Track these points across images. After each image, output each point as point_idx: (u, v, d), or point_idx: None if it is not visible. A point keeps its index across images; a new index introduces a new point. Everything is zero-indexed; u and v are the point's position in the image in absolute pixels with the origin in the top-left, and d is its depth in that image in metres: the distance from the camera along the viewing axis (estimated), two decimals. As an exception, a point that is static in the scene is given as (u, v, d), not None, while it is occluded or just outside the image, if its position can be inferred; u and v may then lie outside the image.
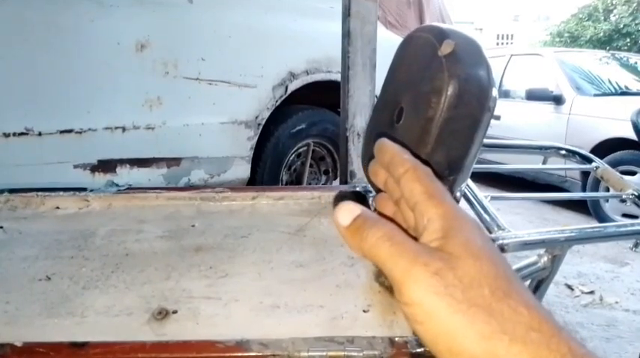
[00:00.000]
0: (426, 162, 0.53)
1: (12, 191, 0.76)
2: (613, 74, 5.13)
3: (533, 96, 4.90)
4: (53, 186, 1.73)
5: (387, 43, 1.73)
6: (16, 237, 0.68)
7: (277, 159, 2.75)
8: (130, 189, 0.79)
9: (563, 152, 0.89)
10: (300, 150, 2.91)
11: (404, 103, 0.57)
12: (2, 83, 1.76)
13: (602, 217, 3.92)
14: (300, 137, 2.83)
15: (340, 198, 0.63)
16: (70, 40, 1.88)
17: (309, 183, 3.05)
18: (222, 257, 0.67)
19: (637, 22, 13.59)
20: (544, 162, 0.93)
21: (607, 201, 3.57)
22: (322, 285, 0.63)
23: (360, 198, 0.86)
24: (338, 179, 3.06)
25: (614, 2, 14.54)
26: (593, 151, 4.12)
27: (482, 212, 0.64)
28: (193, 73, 2.17)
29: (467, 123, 0.51)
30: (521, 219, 4.08)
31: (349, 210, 0.33)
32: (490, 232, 0.60)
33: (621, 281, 2.95)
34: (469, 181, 0.59)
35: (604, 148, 4.06)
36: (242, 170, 2.50)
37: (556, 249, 0.55)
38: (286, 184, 2.91)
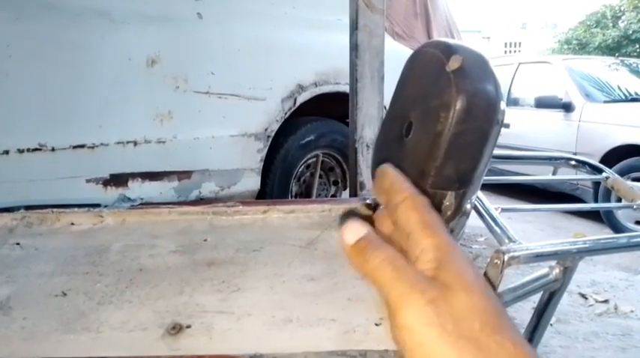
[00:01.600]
0: (435, 176, 0.54)
1: (28, 208, 0.77)
2: (623, 80, 5.10)
3: (542, 103, 4.88)
4: (67, 202, 1.75)
5: (395, 54, 1.75)
6: (32, 254, 0.70)
7: (287, 171, 2.76)
8: (143, 204, 0.80)
9: (573, 163, 0.89)
10: (309, 161, 2.92)
11: (413, 118, 0.58)
12: (16, 100, 1.79)
13: (615, 225, 3.88)
14: (309, 148, 2.84)
15: (347, 215, 0.63)
16: (81, 56, 1.91)
17: (319, 194, 3.05)
18: (234, 271, 0.68)
19: (646, 27, 13.52)
20: (554, 173, 0.93)
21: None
22: (334, 299, 0.63)
23: (371, 210, 0.87)
24: (347, 189, 3.07)
25: (622, 9, 14.47)
26: (604, 158, 4.09)
27: (492, 224, 0.64)
28: (203, 87, 2.19)
29: (476, 137, 0.52)
30: (533, 227, 4.05)
31: (355, 230, 0.34)
32: (501, 244, 0.60)
33: (636, 289, 2.91)
34: (479, 193, 0.60)
35: (615, 155, 4.02)
36: (252, 182, 2.51)
37: (568, 260, 0.55)
38: (296, 195, 2.92)
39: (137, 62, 2.02)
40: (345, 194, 3.05)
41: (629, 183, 0.77)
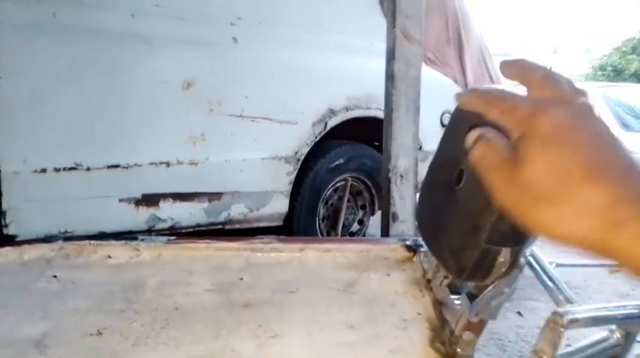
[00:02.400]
0: (491, 231, 0.51)
1: (66, 239, 0.77)
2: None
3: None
4: (100, 222, 1.77)
5: (427, 79, 1.73)
6: (68, 288, 0.69)
7: (315, 194, 2.75)
8: (179, 237, 0.79)
9: None
10: (338, 184, 2.90)
11: (464, 166, 0.56)
12: (54, 120, 1.83)
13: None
14: (338, 172, 2.83)
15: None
16: (119, 78, 1.95)
17: (346, 218, 3.03)
18: (270, 314, 0.66)
19: (683, 55, 13.18)
20: None
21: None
22: (374, 350, 0.60)
23: (410, 251, 0.84)
24: (375, 214, 3.04)
25: (659, 35, 14.19)
26: None
27: (548, 281, 0.61)
28: (237, 110, 2.21)
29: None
30: (566, 256, 3.91)
31: (472, 135, 0.39)
32: (557, 305, 0.57)
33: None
34: (533, 247, 0.57)
35: None
36: (281, 204, 2.51)
37: (630, 325, 0.52)
38: (323, 218, 2.90)
39: (173, 85, 2.05)
40: (374, 219, 3.01)
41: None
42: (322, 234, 2.88)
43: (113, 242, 0.78)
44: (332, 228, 2.91)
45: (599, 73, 15.29)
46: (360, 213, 3.13)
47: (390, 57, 1.44)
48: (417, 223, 0.65)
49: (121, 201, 2.02)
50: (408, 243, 0.83)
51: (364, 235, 3.06)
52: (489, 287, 0.57)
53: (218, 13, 2.26)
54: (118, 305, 0.67)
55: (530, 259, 0.66)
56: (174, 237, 0.79)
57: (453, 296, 0.70)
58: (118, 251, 0.77)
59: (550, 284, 0.59)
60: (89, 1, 1.95)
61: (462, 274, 0.55)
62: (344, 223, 2.95)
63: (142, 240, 0.78)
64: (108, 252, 0.77)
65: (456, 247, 0.55)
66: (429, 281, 0.73)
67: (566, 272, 3.67)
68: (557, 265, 0.63)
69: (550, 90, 0.35)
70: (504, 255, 0.52)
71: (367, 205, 3.13)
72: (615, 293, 3.37)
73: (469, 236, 0.52)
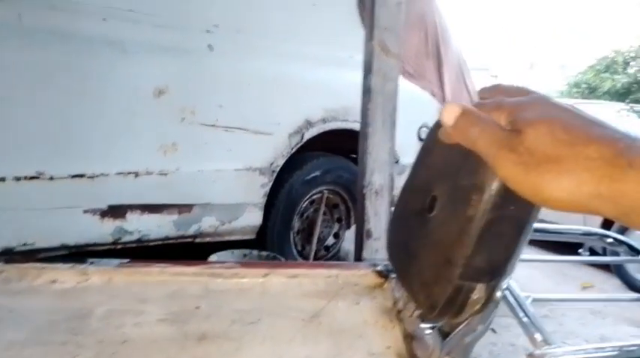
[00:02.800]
0: (465, 266, 0.47)
1: (8, 261, 0.71)
2: (633, 127, 5.06)
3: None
4: (62, 232, 1.69)
5: (405, 93, 1.70)
6: (5, 317, 0.63)
7: (290, 207, 2.70)
8: (133, 262, 0.73)
9: (610, 240, 0.82)
10: (314, 197, 2.86)
11: (437, 192, 0.52)
12: (16, 127, 1.74)
13: (624, 277, 3.77)
14: (314, 184, 2.78)
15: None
16: (88, 84, 1.87)
17: (322, 232, 2.98)
18: (227, 349, 0.60)
19: (656, 74, 13.55)
20: (585, 248, 0.86)
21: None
22: (339, 390, 0.55)
23: (382, 277, 0.80)
24: (353, 227, 2.99)
25: (631, 55, 14.56)
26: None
27: (524, 318, 0.57)
28: (210, 120, 2.15)
29: (512, 225, 0.45)
30: (539, 274, 3.94)
31: (451, 111, 0.39)
32: (534, 345, 0.53)
33: (648, 347, 2.79)
34: (510, 280, 0.53)
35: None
36: (254, 217, 2.45)
37: (611, 367, 0.49)
38: (298, 232, 2.85)
39: (144, 92, 1.98)
40: (349, 233, 2.97)
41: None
42: (297, 247, 2.82)
43: (60, 265, 0.71)
44: (307, 242, 2.86)
45: (574, 89, 15.61)
46: (336, 227, 3.09)
47: (367, 70, 1.41)
48: (387, 251, 0.60)
49: (85, 212, 1.93)
50: (379, 268, 0.79)
51: (339, 249, 3.02)
52: (462, 325, 0.53)
53: (194, 20, 2.20)
54: (59, 337, 0.61)
55: (506, 293, 0.63)
56: (126, 260, 0.73)
57: (424, 326, 0.65)
58: (65, 275, 0.71)
59: (525, 320, 0.56)
60: (59, 3, 1.88)
61: (433, 311, 0.50)
62: (319, 237, 2.91)
63: (92, 263, 0.72)
64: (53, 276, 0.71)
65: (428, 281, 0.50)
66: (399, 311, 0.68)
67: (543, 288, 3.71)
68: (534, 300, 0.60)
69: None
70: (479, 292, 0.48)
71: (343, 218, 3.09)
72: (588, 310, 3.41)
73: (441, 270, 0.48)
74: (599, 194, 0.30)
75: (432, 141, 0.55)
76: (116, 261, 0.73)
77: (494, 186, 0.43)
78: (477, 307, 0.49)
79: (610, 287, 3.80)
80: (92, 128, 1.90)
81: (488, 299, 0.49)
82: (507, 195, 0.43)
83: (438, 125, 0.56)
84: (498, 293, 0.51)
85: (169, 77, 2.04)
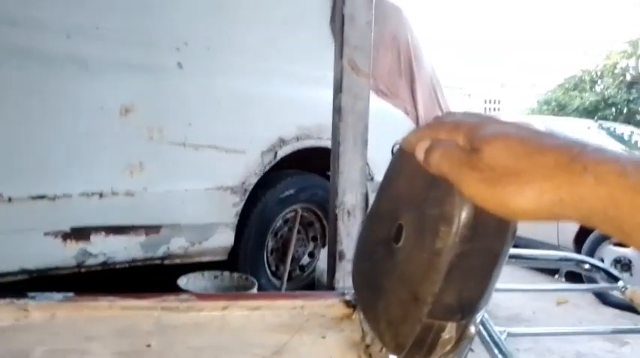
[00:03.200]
0: (433, 304, 0.43)
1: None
2: (603, 143, 5.16)
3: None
4: (22, 255, 1.59)
5: (378, 111, 1.68)
6: None
7: (263, 226, 2.64)
8: (79, 295, 0.67)
9: (587, 266, 0.79)
10: (288, 216, 2.81)
11: (404, 221, 0.48)
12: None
13: (600, 296, 3.79)
14: (288, 203, 2.74)
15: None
16: (49, 102, 1.80)
17: (296, 250, 2.92)
18: (179, 393, 0.55)
19: (622, 92, 14.01)
20: (561, 274, 0.83)
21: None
22: None
23: (350, 307, 0.75)
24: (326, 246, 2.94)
25: (598, 74, 15.06)
26: (586, 221, 4.05)
27: (499, 355, 0.54)
28: (179, 138, 2.09)
29: (483, 259, 0.42)
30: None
31: (420, 147, 0.39)
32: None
33: (623, 363, 2.80)
34: (484, 314, 0.49)
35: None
36: (225, 237, 2.38)
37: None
38: (272, 251, 2.79)
39: (110, 111, 1.92)
40: (325, 252, 2.92)
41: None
42: (270, 268, 2.76)
43: (-4, 301, 0.65)
44: (281, 262, 2.80)
45: (544, 107, 16.03)
46: (311, 245, 3.04)
47: (337, 89, 1.38)
48: (352, 282, 0.56)
49: (46, 234, 1.85)
50: (347, 297, 0.74)
51: (315, 268, 2.96)
52: (433, 364, 0.49)
53: (163, 37, 2.15)
54: (-11, 385, 0.54)
55: (480, 328, 0.59)
56: (71, 294, 0.67)
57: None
58: (2, 312, 0.64)
59: (500, 357, 0.52)
60: (21, 19, 1.81)
61: (401, 351, 0.46)
62: (294, 256, 2.85)
63: (32, 297, 0.66)
64: (-12, 313, 0.64)
65: (394, 319, 0.46)
66: (367, 346, 0.64)
67: (517, 304, 3.71)
68: (509, 334, 0.56)
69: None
70: (450, 331, 0.44)
71: (318, 237, 3.04)
72: (563, 324, 3.42)
73: (409, 307, 0.44)
74: (560, 200, 0.31)
75: (397, 167, 0.51)
76: (60, 295, 0.67)
77: (464, 216, 0.39)
78: (449, 347, 0.45)
79: (584, 302, 3.83)
80: (53, 147, 1.83)
81: (461, 338, 0.45)
82: (478, 225, 0.40)
83: (402, 150, 0.52)
84: (472, 330, 0.47)
85: (136, 95, 1.98)
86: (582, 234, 4.08)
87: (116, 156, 1.95)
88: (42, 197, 1.81)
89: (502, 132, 0.35)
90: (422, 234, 0.43)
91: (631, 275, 3.83)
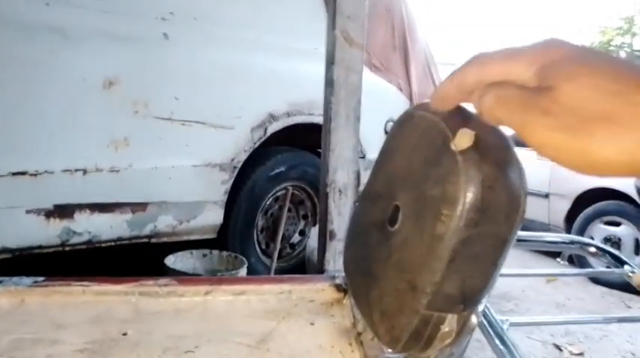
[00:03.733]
0: (433, 294, 0.39)
1: None
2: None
3: (516, 141, 4.85)
4: (3, 234, 1.54)
5: (372, 86, 1.62)
6: None
7: (253, 204, 2.59)
8: (50, 280, 0.63)
9: (592, 249, 0.76)
10: (278, 193, 2.76)
11: (400, 202, 0.44)
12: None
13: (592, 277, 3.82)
14: (278, 180, 2.69)
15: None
16: (29, 74, 1.72)
17: (287, 229, 2.89)
18: (156, 386, 0.51)
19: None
20: (563, 257, 0.80)
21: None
22: None
23: (341, 291, 0.71)
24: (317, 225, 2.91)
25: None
26: (577, 199, 4.07)
27: (500, 346, 0.50)
28: (165, 113, 2.02)
29: (490, 245, 0.37)
30: (504, 269, 3.95)
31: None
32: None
33: (611, 340, 2.82)
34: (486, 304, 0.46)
35: (589, 197, 3.99)
36: (214, 215, 2.34)
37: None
38: (262, 230, 2.75)
39: (92, 83, 1.84)
40: (316, 230, 2.89)
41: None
42: (260, 246, 2.72)
43: (-41, 286, 0.60)
44: (271, 240, 2.76)
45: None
46: (302, 224, 3.00)
47: (330, 61, 1.31)
48: (344, 267, 0.52)
49: (29, 212, 1.79)
50: (337, 281, 0.70)
51: (305, 247, 2.93)
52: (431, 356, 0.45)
53: (148, 6, 2.06)
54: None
55: (481, 318, 0.55)
56: (41, 279, 0.62)
57: (387, 353, 0.58)
58: (-35, 298, 0.59)
59: (502, 348, 0.49)
60: (-4, -15, 1.72)
61: (396, 344, 0.42)
62: (284, 234, 2.81)
63: (0, 282, 0.61)
64: (-50, 299, 0.59)
65: (389, 310, 0.42)
66: (359, 333, 0.60)
67: (507, 282, 3.72)
68: (511, 324, 0.53)
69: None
70: (450, 323, 0.40)
71: (309, 215, 3.01)
72: (553, 304, 3.44)
73: (405, 297, 0.40)
74: None
75: (395, 140, 0.47)
76: (29, 280, 0.62)
77: (470, 197, 0.35)
78: (449, 340, 0.41)
79: (573, 280, 3.85)
80: (35, 122, 1.76)
81: (461, 331, 0.41)
82: (485, 208, 0.35)
83: (402, 122, 0.47)
84: (474, 321, 0.43)
85: (120, 67, 1.90)
86: (573, 213, 4.09)
87: (100, 131, 1.88)
88: (23, 173, 1.74)
89: (583, 63, 0.28)
90: (421, 217, 0.39)
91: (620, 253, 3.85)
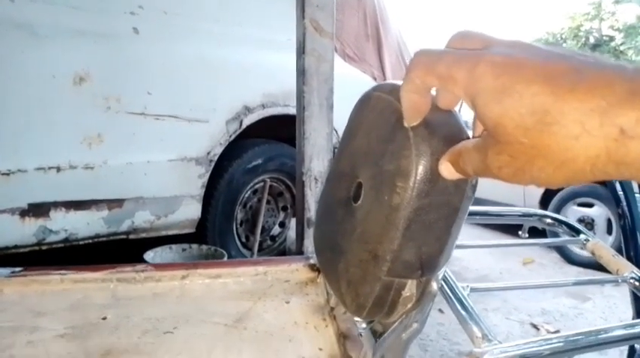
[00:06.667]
0: (392, 261, 0.41)
1: None
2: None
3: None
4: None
5: (346, 76, 1.63)
6: None
7: (231, 197, 2.60)
8: (28, 270, 0.64)
9: (549, 221, 0.80)
10: (257, 186, 2.77)
11: (362, 178, 0.46)
12: None
13: (565, 254, 3.94)
14: (256, 173, 2.70)
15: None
16: (-4, 72, 1.70)
17: (266, 221, 2.91)
18: (136, 365, 0.53)
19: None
20: (524, 230, 0.84)
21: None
22: (263, 405, 0.49)
23: (315, 271, 0.74)
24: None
25: (563, 36, 15.28)
26: (549, 183, 4.16)
27: (462, 311, 0.53)
28: (138, 108, 2.01)
29: (442, 214, 0.40)
30: (481, 250, 4.04)
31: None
32: (474, 342, 0.49)
33: (585, 318, 2.92)
34: (446, 270, 0.49)
35: (561, 180, 4.09)
36: (192, 210, 2.34)
37: (557, 362, 0.46)
38: (241, 223, 2.76)
39: (62, 80, 1.82)
40: (294, 221, 2.91)
41: (610, 250, 0.68)
42: (240, 239, 2.74)
43: None
44: (251, 233, 2.78)
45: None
46: (282, 215, 3.02)
47: (300, 51, 1.34)
48: (314, 246, 0.54)
49: (2, 212, 1.77)
50: (311, 261, 0.73)
51: (286, 238, 2.96)
52: (395, 323, 0.48)
53: (116, 1, 2.04)
54: None
55: (443, 284, 0.58)
56: (19, 269, 0.63)
57: (359, 324, 0.60)
58: (-58, 290, 0.60)
59: (464, 313, 0.52)
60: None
61: (362, 312, 0.45)
62: (264, 226, 2.83)
63: (-24, 274, 0.62)
64: None
65: (354, 279, 0.45)
66: (332, 308, 0.63)
67: (485, 265, 3.81)
68: (472, 289, 0.56)
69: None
70: (410, 288, 0.43)
71: (289, 207, 3.02)
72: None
73: (368, 266, 0.43)
74: (609, 161, 0.26)
75: (355, 121, 0.49)
76: (7, 270, 0.63)
77: (420, 170, 0.38)
78: (410, 305, 0.43)
79: (549, 261, 3.96)
80: (5, 120, 1.73)
81: (422, 296, 0.44)
82: (435, 179, 0.38)
83: (361, 103, 0.50)
84: (434, 286, 0.46)
85: (91, 63, 1.88)
86: (547, 196, 4.19)
87: (72, 128, 1.87)
88: (-6, 173, 1.72)
89: (507, 94, 0.29)
90: (380, 191, 0.41)
91: (594, 233, 3.98)
